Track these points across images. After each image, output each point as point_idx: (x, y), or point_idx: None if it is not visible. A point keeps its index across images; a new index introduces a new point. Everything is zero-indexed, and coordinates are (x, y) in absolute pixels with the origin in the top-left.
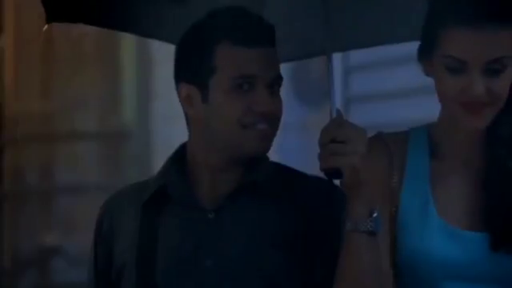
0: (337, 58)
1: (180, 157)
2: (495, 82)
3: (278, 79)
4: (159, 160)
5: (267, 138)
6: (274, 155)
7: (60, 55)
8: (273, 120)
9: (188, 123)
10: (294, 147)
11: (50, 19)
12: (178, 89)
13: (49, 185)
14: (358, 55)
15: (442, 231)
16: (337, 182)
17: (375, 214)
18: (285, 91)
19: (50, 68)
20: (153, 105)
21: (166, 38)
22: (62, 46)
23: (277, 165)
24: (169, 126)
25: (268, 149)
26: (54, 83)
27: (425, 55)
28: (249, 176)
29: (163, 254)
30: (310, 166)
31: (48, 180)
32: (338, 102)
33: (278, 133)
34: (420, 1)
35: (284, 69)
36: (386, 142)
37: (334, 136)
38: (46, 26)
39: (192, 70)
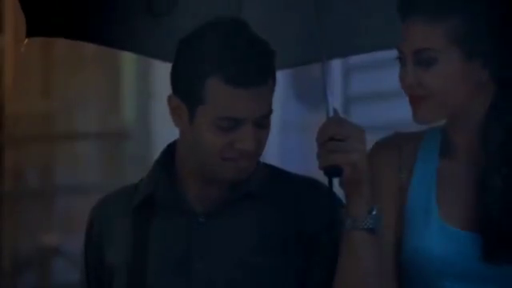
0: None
1: (167, 159)
2: (427, 74)
3: (268, 115)
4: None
5: (245, 171)
6: (274, 155)
7: (60, 55)
8: (254, 156)
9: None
10: (294, 147)
11: (30, 33)
12: (168, 98)
13: (49, 185)
14: (357, 55)
15: (440, 230)
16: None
17: (374, 212)
18: (285, 91)
19: (49, 68)
20: (153, 105)
21: (143, 51)
22: (62, 46)
23: (268, 167)
24: (169, 126)
25: (245, 177)
26: (54, 83)
27: None
28: (242, 184)
29: (154, 257)
30: (310, 165)
31: (48, 180)
32: (338, 102)
33: (278, 133)
34: None
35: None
36: (398, 142)
37: (333, 134)
38: (26, 41)
39: (183, 90)
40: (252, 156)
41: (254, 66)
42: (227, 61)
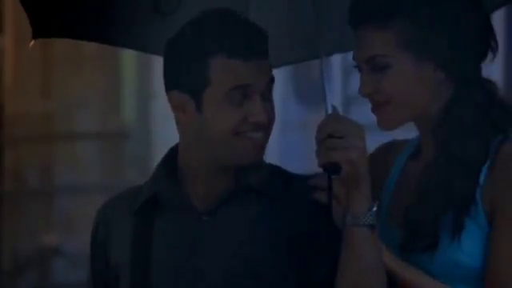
0: (337, 57)
1: (171, 162)
2: (382, 80)
3: (270, 83)
4: (159, 160)
5: (260, 146)
6: (274, 155)
7: (60, 55)
8: (267, 127)
9: (178, 128)
10: (294, 147)
11: (36, 35)
12: (168, 96)
13: (49, 185)
14: None
15: (381, 229)
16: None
17: (374, 208)
18: (285, 91)
19: (49, 68)
20: (153, 105)
21: (150, 49)
22: (62, 46)
23: (272, 166)
24: (169, 126)
25: (261, 156)
26: (54, 83)
27: None
28: (244, 180)
29: (157, 256)
30: (310, 165)
31: (48, 180)
32: (338, 102)
33: (278, 133)
34: None
35: (284, 69)
36: (386, 149)
37: (332, 131)
38: (32, 42)
39: (185, 80)
40: (265, 128)
41: (253, 39)
42: (227, 37)
